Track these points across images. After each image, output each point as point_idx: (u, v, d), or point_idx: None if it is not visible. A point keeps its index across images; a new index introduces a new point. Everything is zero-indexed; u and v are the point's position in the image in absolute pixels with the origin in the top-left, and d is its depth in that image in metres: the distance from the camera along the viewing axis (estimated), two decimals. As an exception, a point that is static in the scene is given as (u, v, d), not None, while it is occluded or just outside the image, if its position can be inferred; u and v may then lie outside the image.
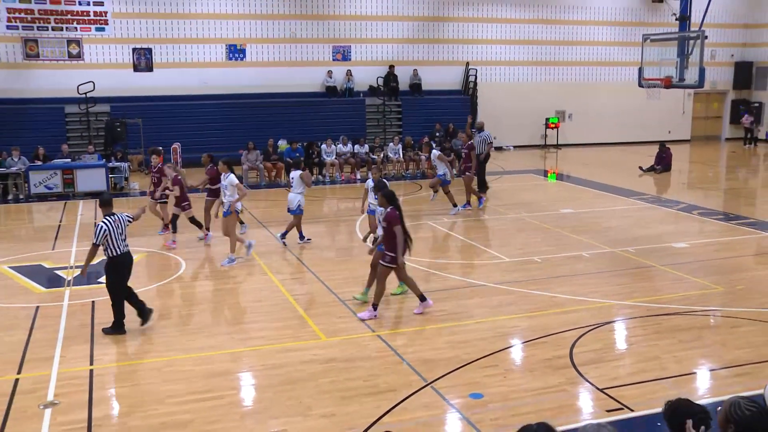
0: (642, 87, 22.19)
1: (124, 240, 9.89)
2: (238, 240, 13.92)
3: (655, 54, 22.27)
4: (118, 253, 9.80)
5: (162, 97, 27.50)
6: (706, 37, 20.41)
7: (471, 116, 25.12)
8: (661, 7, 33.36)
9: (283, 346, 9.47)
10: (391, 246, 10.39)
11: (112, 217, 9.81)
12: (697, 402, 4.36)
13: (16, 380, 8.50)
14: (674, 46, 21.12)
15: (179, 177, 15.37)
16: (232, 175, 13.68)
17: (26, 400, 7.96)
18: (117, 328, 9.92)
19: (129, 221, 10.15)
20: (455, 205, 18.07)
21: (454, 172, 20.43)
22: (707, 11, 21.66)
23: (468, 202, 18.75)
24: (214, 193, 15.11)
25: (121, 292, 9.93)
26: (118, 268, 9.90)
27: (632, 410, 7.59)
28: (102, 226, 9.64)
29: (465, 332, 9.91)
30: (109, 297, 9.94)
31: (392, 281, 11.20)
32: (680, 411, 4.29)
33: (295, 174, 14.85)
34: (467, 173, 18.65)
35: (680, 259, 13.70)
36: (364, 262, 13.78)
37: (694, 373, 8.75)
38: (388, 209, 10.41)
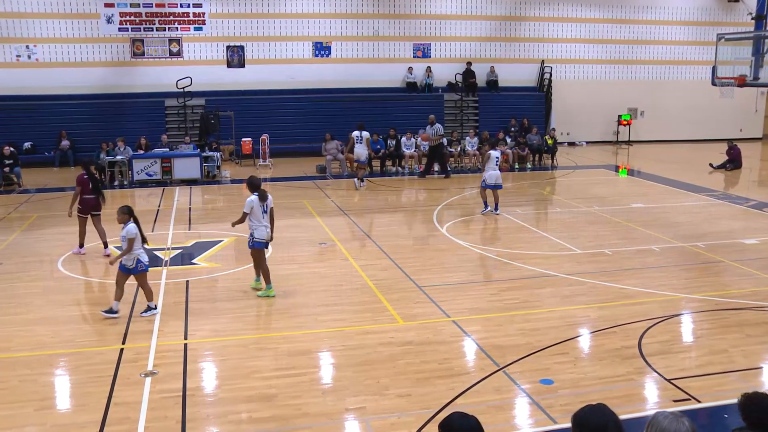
0: (715, 85, 21.46)
1: None
2: None
3: (730, 53, 21.49)
4: None
5: (252, 92, 28.03)
6: (782, 36, 19.60)
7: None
8: (736, 7, 32.19)
9: (362, 328, 9.55)
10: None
11: None
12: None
13: (121, 350, 8.82)
14: (749, 46, 20.33)
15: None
16: None
17: (130, 369, 8.26)
18: None
19: None
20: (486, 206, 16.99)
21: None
22: (784, 11, 20.79)
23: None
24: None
25: None
26: None
27: (699, 401, 7.40)
28: None
29: (537, 320, 9.81)
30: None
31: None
32: (757, 404, 4.17)
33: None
34: None
35: (750, 255, 13.24)
36: (440, 251, 13.80)
37: (761, 367, 8.48)
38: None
